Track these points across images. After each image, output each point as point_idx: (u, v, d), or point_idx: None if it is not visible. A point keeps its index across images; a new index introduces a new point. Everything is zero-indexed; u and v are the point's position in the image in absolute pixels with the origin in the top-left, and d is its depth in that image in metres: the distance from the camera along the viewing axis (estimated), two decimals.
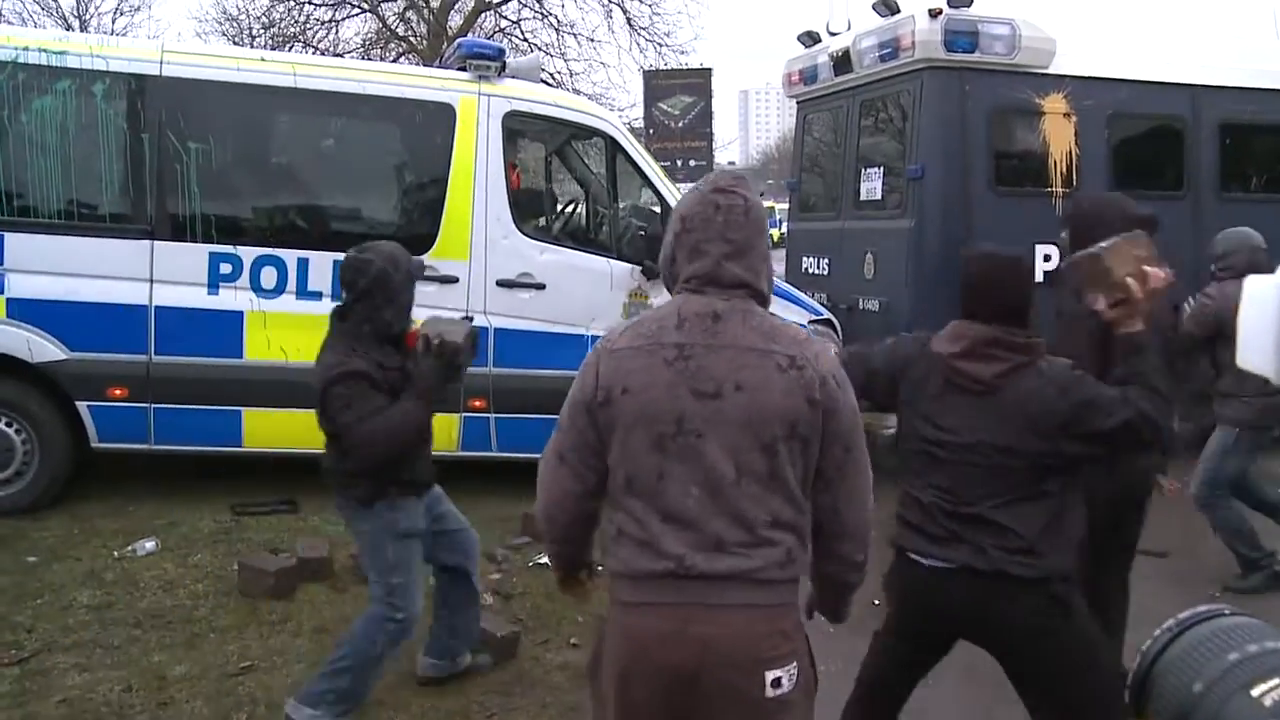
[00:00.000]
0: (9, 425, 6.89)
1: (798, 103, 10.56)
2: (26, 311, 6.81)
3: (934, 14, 8.07)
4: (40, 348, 6.82)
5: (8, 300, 6.79)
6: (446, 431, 7.28)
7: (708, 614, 2.32)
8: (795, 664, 2.39)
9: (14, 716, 4.28)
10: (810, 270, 9.82)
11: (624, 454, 2.40)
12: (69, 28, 29.60)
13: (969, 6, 8.16)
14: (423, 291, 7.11)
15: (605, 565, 2.50)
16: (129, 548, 6.27)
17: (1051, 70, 8.39)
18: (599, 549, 2.58)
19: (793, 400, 2.36)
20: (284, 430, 7.11)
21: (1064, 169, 8.45)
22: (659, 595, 2.35)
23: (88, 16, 30.96)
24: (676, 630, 2.32)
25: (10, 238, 6.81)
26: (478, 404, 7.23)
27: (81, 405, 6.94)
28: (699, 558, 2.32)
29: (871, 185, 9.03)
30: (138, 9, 31.38)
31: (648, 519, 2.37)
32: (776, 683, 2.35)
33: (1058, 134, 8.48)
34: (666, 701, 2.35)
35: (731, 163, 74.94)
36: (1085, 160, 8.43)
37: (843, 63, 9.23)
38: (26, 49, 6.90)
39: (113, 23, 30.99)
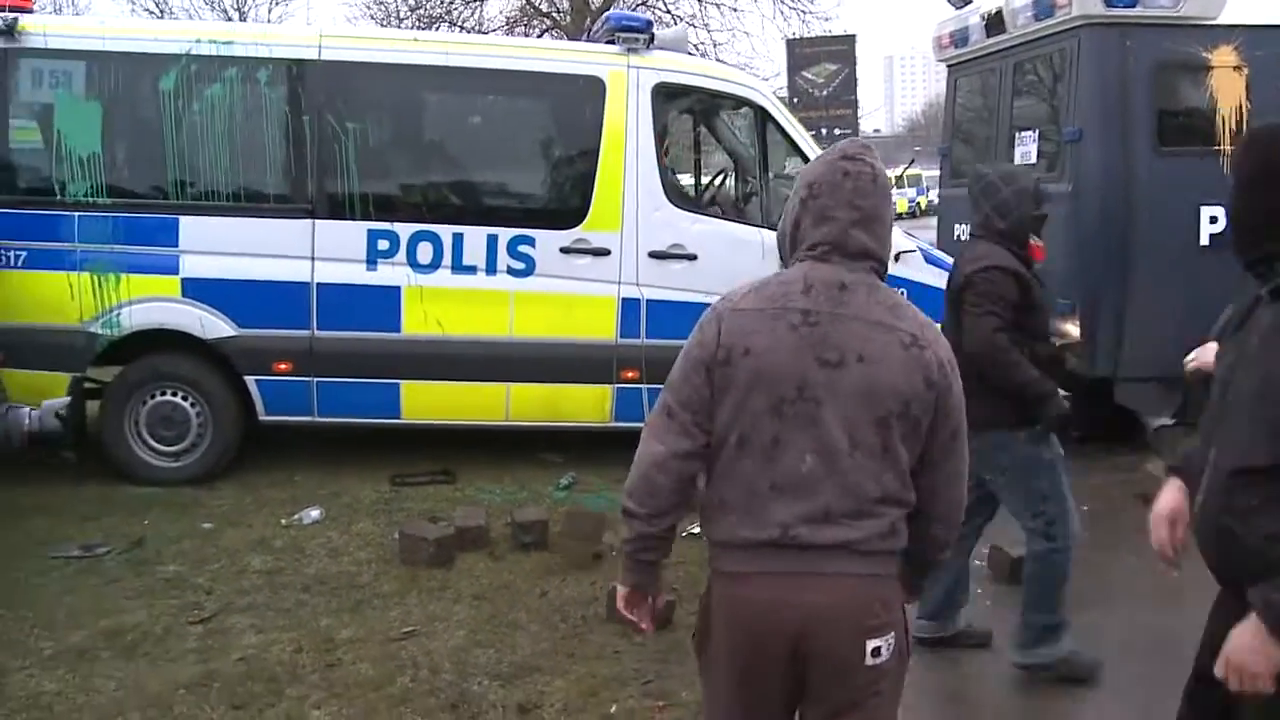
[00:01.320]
0: (185, 399, 7.22)
1: (948, 66, 10.28)
2: (199, 290, 7.12)
3: None
4: (212, 325, 7.13)
5: (182, 280, 7.11)
6: (599, 402, 7.38)
7: (812, 581, 2.32)
8: (893, 633, 2.39)
9: (199, 672, 4.51)
10: (963, 238, 9.58)
11: (739, 415, 2.36)
12: (229, 19, 30.77)
13: None
14: (575, 264, 7.31)
15: (707, 535, 2.48)
16: (295, 516, 6.53)
17: (1221, 20, 7.99)
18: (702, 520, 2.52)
19: (912, 378, 2.35)
20: (441, 402, 7.30)
21: (1234, 125, 8.04)
22: (762, 564, 2.34)
23: (246, 8, 32.07)
24: (781, 598, 2.32)
25: (185, 221, 7.13)
26: (630, 375, 7.29)
27: (250, 380, 7.24)
28: (804, 529, 2.31)
29: (1026, 149, 8.75)
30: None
31: (758, 483, 2.35)
32: (876, 652, 2.35)
33: (1227, 89, 8.06)
34: (774, 669, 2.37)
35: (877, 130, 73.62)
36: (1258, 115, 7.99)
37: (995, 23, 8.95)
38: (198, 40, 7.20)
39: (269, 14, 32.09)
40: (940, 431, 2.40)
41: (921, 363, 2.36)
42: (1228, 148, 7.97)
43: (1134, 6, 7.81)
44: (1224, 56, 7.98)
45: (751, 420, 2.35)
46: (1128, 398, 8.10)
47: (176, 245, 7.12)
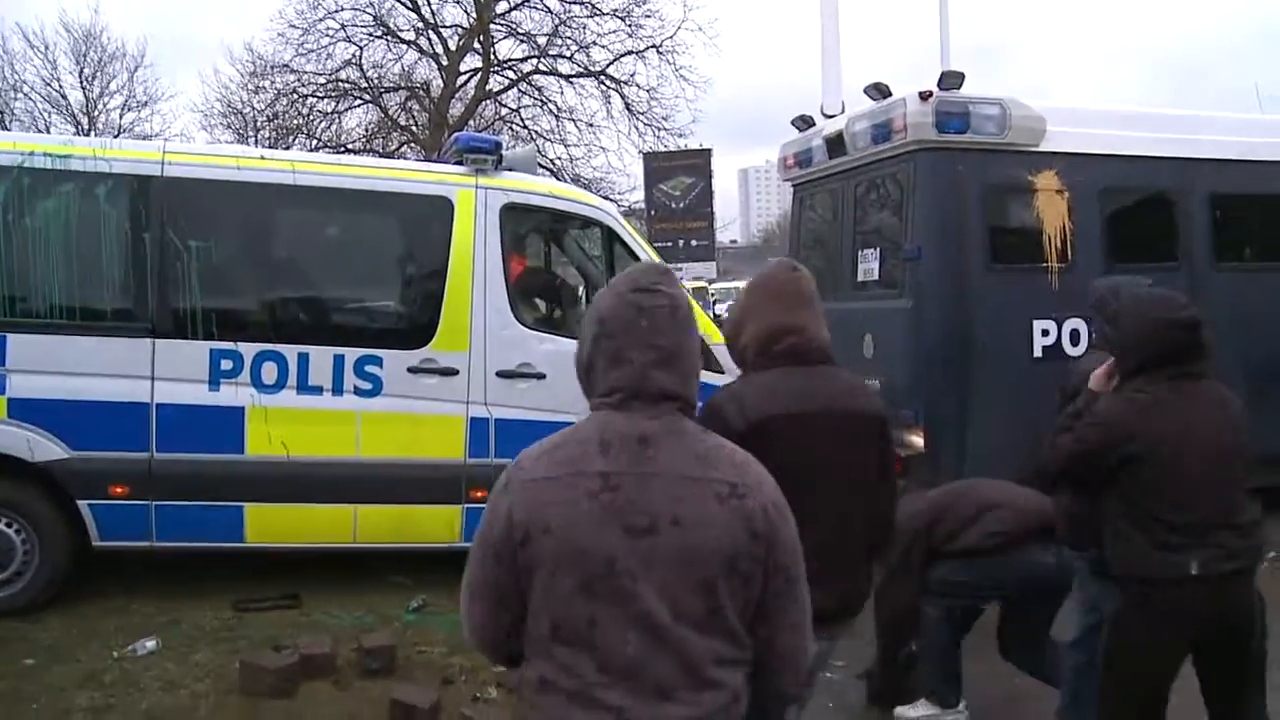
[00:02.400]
0: (9, 525, 6.86)
1: (794, 186, 10.65)
2: (28, 411, 6.82)
3: (925, 96, 8.18)
4: (41, 446, 6.83)
5: (9, 400, 6.81)
6: (449, 523, 7.28)
7: None
8: None
9: None
10: None
11: (548, 599, 2.12)
12: (78, 124, 30.11)
13: (959, 88, 8.27)
14: (423, 384, 7.25)
15: (524, 716, 2.23)
16: (129, 647, 6.22)
17: (1043, 148, 8.48)
18: (519, 699, 2.31)
19: (734, 534, 2.13)
20: (287, 525, 7.10)
21: (1059, 244, 8.50)
22: None
23: (96, 113, 31.50)
24: None
25: (13, 338, 6.85)
26: (480, 494, 7.20)
27: (83, 504, 6.93)
28: (642, 709, 2.08)
29: (869, 266, 9.08)
30: (144, 104, 31.86)
31: (580, 668, 2.10)
32: None
33: (1051, 210, 8.54)
34: None
35: (734, 241, 75.61)
36: (1080, 235, 8.49)
37: (837, 145, 9.34)
38: (32, 153, 7.02)
39: (120, 118, 31.57)
40: (773, 581, 2.19)
41: (743, 514, 2.14)
42: (1055, 265, 8.41)
43: (964, 132, 8.25)
44: (1047, 180, 8.47)
45: (562, 604, 2.11)
46: None
47: (3, 364, 6.84)
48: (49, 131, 28.19)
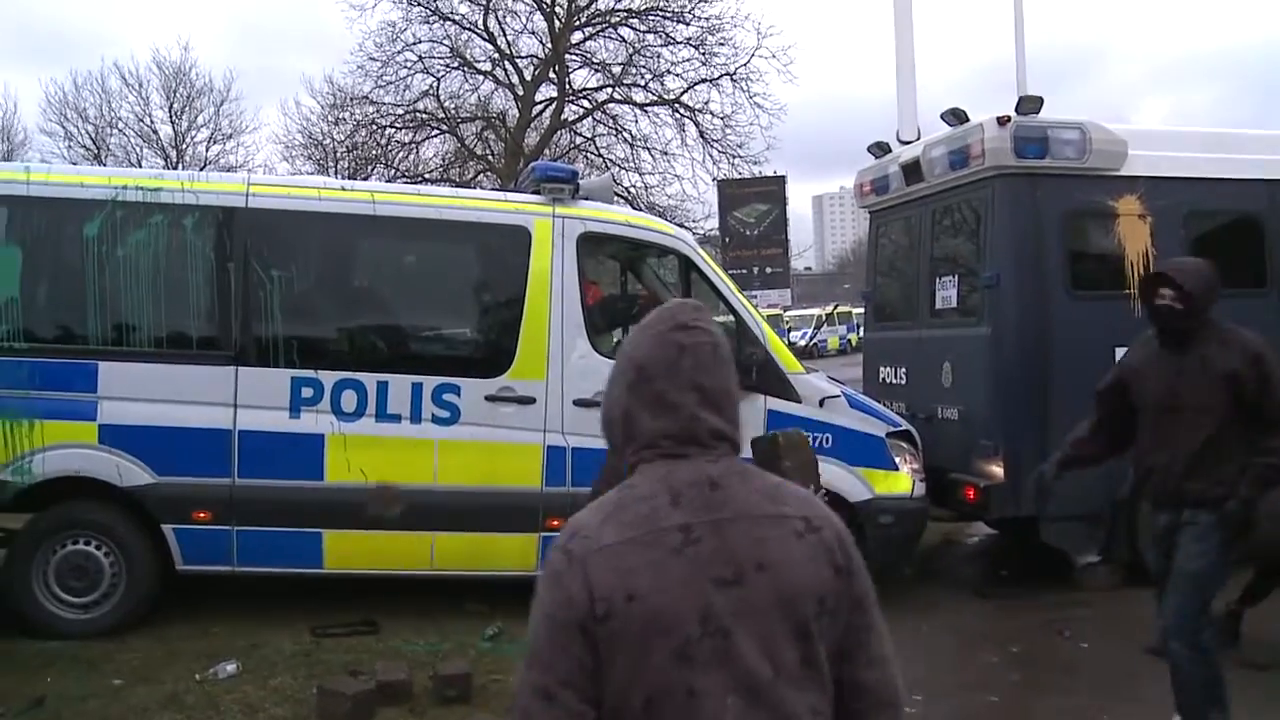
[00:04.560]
0: (98, 548, 7.04)
1: (870, 213, 10.59)
2: (117, 437, 7.00)
3: (1003, 121, 8.09)
4: (129, 472, 6.99)
5: (100, 426, 6.99)
6: (525, 551, 7.29)
7: None
8: None
9: None
10: (887, 380, 9.74)
11: (639, 673, 1.88)
12: (168, 157, 30.96)
13: (1037, 113, 8.17)
14: (501, 413, 7.30)
15: None
16: (210, 670, 6.32)
17: (1124, 172, 8.34)
18: None
19: (819, 569, 1.98)
20: (365, 551, 7.18)
21: (1141, 270, 8.33)
22: None
23: (184, 146, 32.38)
24: None
25: (104, 366, 7.04)
26: (556, 523, 7.21)
27: (167, 528, 7.07)
28: None
29: (947, 293, 8.99)
30: (229, 137, 32.70)
31: None
32: None
33: (1133, 235, 8.39)
34: None
35: (808, 268, 75.33)
36: (1163, 260, 8.30)
37: (913, 172, 9.26)
38: (125, 187, 7.22)
39: (207, 150, 32.43)
40: (853, 615, 2.04)
41: (824, 548, 2.00)
42: (1138, 291, 8.24)
43: (1043, 158, 8.14)
44: (1129, 205, 8.32)
45: (656, 676, 1.88)
46: (1053, 536, 8.18)
47: (95, 391, 7.02)
48: (141, 165, 29.05)
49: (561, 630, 1.91)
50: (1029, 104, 8.20)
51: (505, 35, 27.52)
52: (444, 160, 28.71)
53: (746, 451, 2.22)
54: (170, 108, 32.43)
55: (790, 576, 1.95)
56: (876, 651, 2.07)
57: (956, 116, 8.62)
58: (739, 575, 1.92)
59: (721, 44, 26.70)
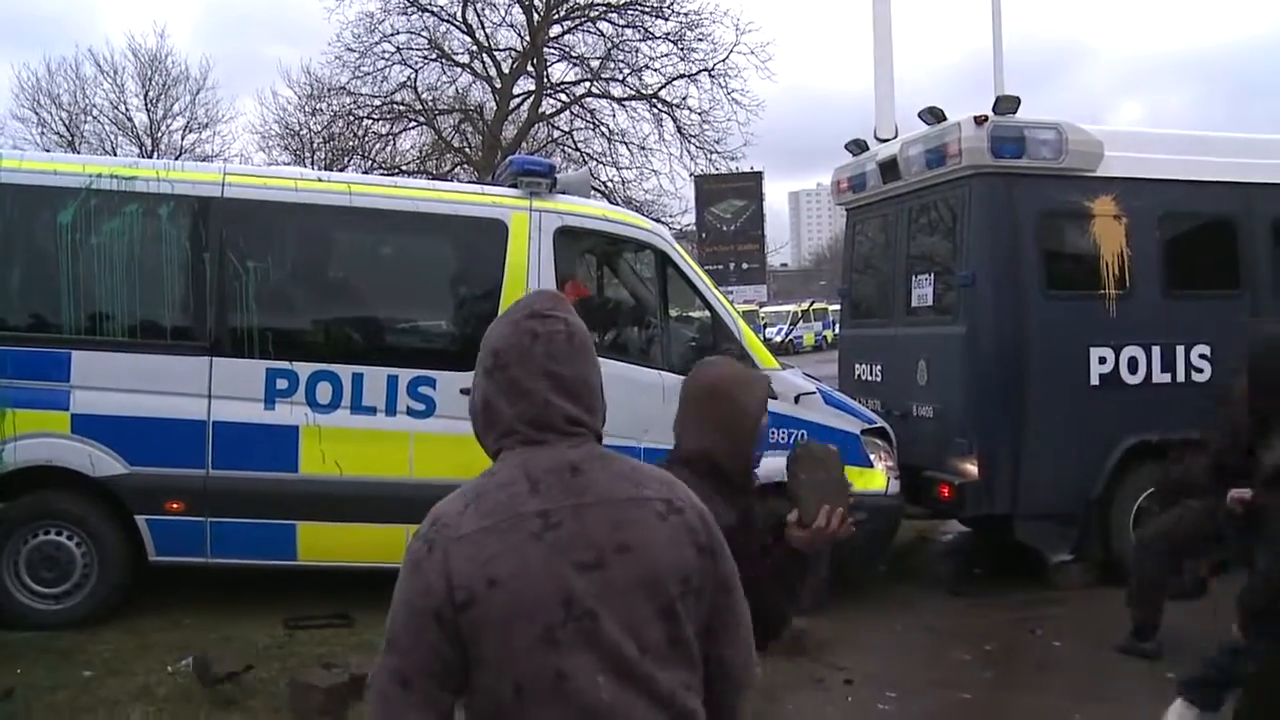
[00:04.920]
0: (70, 538, 7.00)
1: (847, 210, 10.61)
2: (90, 427, 6.96)
3: (980, 121, 8.11)
4: (102, 462, 6.95)
5: (73, 416, 6.95)
6: None
7: None
8: None
9: None
10: (863, 377, 9.78)
11: (506, 660, 1.90)
12: (143, 146, 30.72)
13: (1014, 113, 8.21)
14: None
15: None
16: (183, 662, 6.28)
17: (1100, 173, 8.38)
18: None
19: (681, 550, 2.00)
20: (339, 544, 7.16)
21: (1116, 270, 8.39)
22: None
23: (160, 135, 32.13)
24: None
25: (77, 355, 6.99)
26: None
27: (140, 519, 7.03)
28: None
29: (923, 291, 9.01)
30: (205, 126, 32.46)
31: None
32: None
33: (1109, 236, 8.43)
34: None
35: (784, 264, 75.44)
36: (1138, 261, 8.37)
37: (890, 170, 9.29)
38: (99, 175, 7.16)
39: (182, 139, 32.20)
40: (716, 595, 2.08)
41: (687, 528, 2.02)
42: (1113, 291, 8.30)
43: (1020, 157, 8.18)
44: (1104, 206, 8.36)
45: (523, 661, 1.90)
46: (1027, 534, 8.24)
47: (68, 380, 6.97)
48: (115, 153, 28.82)
49: (418, 617, 1.92)
50: (1006, 104, 8.24)
51: (484, 28, 27.51)
52: (421, 152, 28.66)
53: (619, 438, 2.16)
54: (146, 95, 32.14)
55: (653, 558, 1.97)
56: (739, 632, 2.14)
57: (934, 115, 8.65)
58: (600, 558, 1.93)
59: (700, 39, 26.79)
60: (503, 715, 1.93)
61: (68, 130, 31.15)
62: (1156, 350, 8.24)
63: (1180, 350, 8.25)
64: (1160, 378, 8.22)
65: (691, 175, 27.55)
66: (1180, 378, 8.25)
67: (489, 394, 2.07)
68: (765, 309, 36.91)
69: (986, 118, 8.12)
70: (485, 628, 1.90)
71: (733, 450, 2.80)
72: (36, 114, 30.96)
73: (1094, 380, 8.20)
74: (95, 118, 31.81)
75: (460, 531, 1.94)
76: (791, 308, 43.52)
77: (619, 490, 2.01)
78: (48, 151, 24.88)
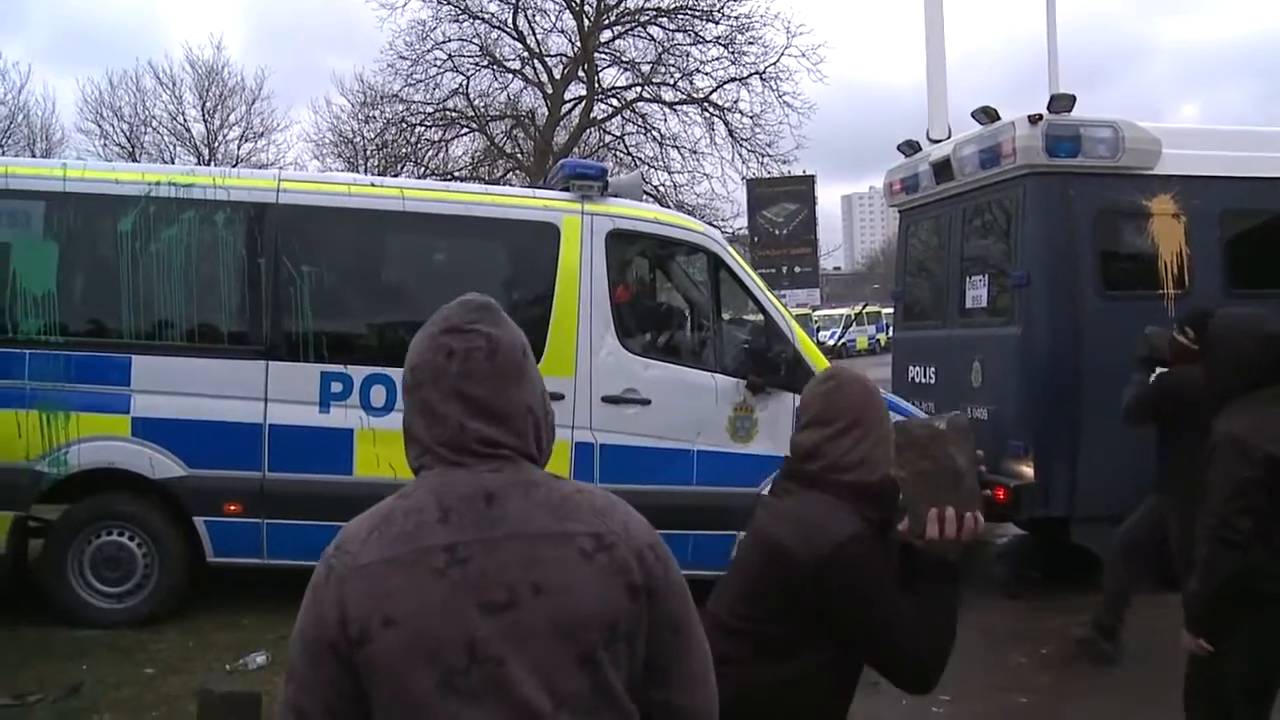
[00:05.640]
0: (131, 539, 7.12)
1: (900, 211, 10.54)
2: (150, 430, 7.07)
3: (1034, 120, 8.03)
4: (162, 465, 7.06)
5: (133, 419, 7.06)
6: None
7: None
8: None
9: None
10: (917, 379, 9.70)
11: (401, 704, 1.73)
12: (200, 155, 31.22)
13: (1070, 111, 8.11)
14: None
15: None
16: (241, 661, 6.38)
17: (1157, 171, 8.26)
18: None
19: (609, 592, 1.80)
20: None
21: (1175, 270, 8.26)
22: None
23: (217, 144, 32.64)
24: None
25: (138, 360, 7.11)
26: None
27: (199, 520, 7.14)
28: None
29: (977, 292, 8.94)
30: (261, 135, 32.94)
31: None
32: None
33: (1167, 235, 8.31)
34: None
35: (837, 268, 74.73)
36: (1197, 260, 8.24)
37: (943, 170, 9.21)
38: (158, 183, 7.29)
39: (238, 148, 32.67)
40: (660, 634, 1.87)
41: (617, 568, 1.81)
42: (1171, 291, 8.17)
43: (1075, 156, 8.07)
44: (1163, 205, 8.24)
45: (420, 709, 1.72)
46: (1084, 537, 8.13)
47: (128, 384, 7.09)
48: (174, 162, 29.31)
49: (312, 649, 1.77)
50: (1061, 102, 8.14)
51: (534, 34, 27.61)
52: (473, 158, 28.82)
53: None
54: (203, 106, 32.70)
55: (572, 601, 1.78)
56: (691, 674, 1.94)
57: (987, 115, 8.56)
58: (512, 599, 1.76)
59: (751, 43, 26.70)
60: None
61: (129, 141, 31.79)
62: None
63: None
64: None
65: (743, 179, 27.49)
66: None
67: (407, 414, 1.92)
68: (818, 312, 36.72)
69: (1041, 116, 8.03)
70: (380, 669, 1.73)
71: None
72: (99, 126, 31.67)
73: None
74: (155, 129, 32.48)
75: (360, 560, 1.78)
76: (844, 311, 43.30)
77: (537, 524, 1.82)
78: (109, 162, 25.31)
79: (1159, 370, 6.38)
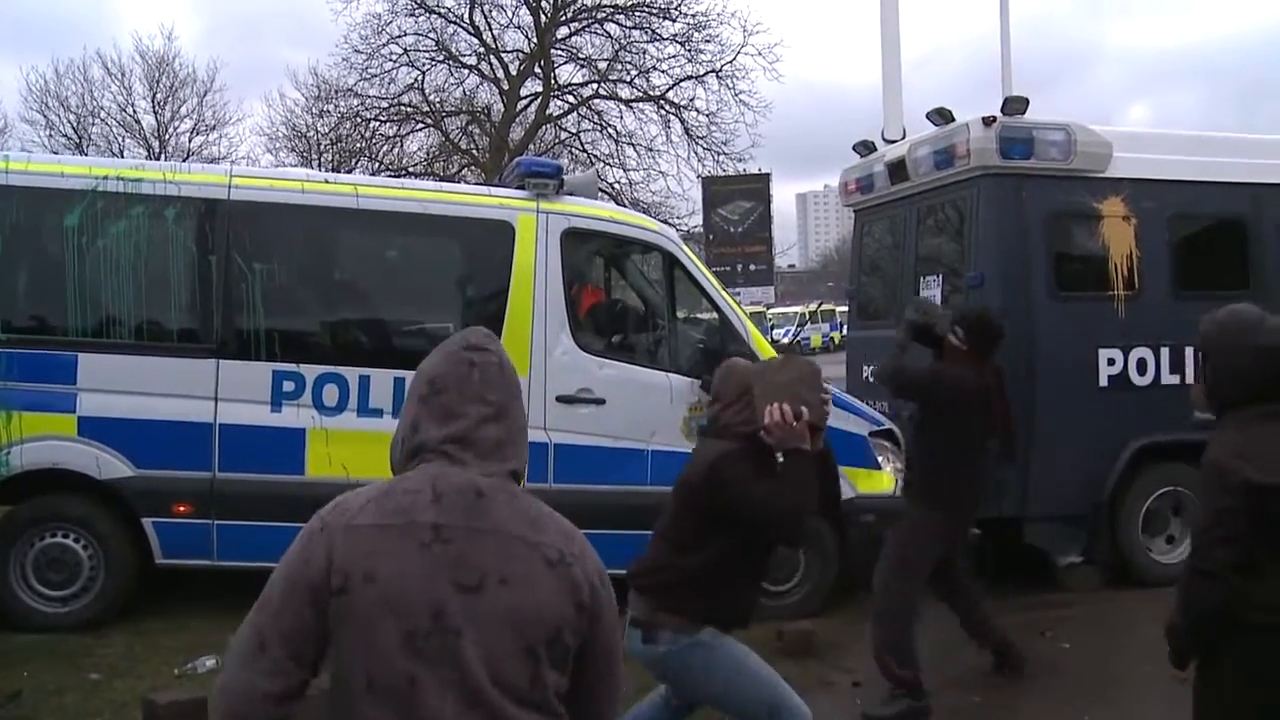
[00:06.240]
0: (76, 541, 6.99)
1: (855, 211, 10.58)
2: (96, 429, 6.95)
3: (988, 121, 8.09)
4: (108, 465, 6.95)
5: (79, 419, 6.94)
6: None
7: None
8: None
9: None
10: (871, 379, 9.75)
11: (365, 653, 2.00)
12: (150, 148, 30.77)
13: (1023, 114, 8.18)
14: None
15: None
16: (189, 665, 6.28)
17: (1108, 174, 8.35)
18: None
19: (560, 602, 2.09)
20: None
21: (1125, 272, 8.36)
22: None
23: (168, 136, 32.17)
24: None
25: (83, 358, 6.98)
26: None
27: (147, 521, 7.02)
28: None
29: (931, 292, 8.97)
30: (213, 128, 32.50)
31: None
32: None
33: (1117, 237, 8.40)
34: None
35: (792, 265, 75.23)
36: (1147, 262, 8.34)
37: (898, 171, 9.26)
38: (105, 177, 7.16)
39: (190, 141, 32.22)
40: (593, 659, 2.18)
41: (571, 583, 2.11)
42: (1121, 292, 8.27)
43: (1028, 158, 8.15)
44: (1113, 207, 8.33)
45: (381, 658, 1.99)
46: (1036, 537, 8.21)
47: (74, 382, 6.97)
48: (123, 155, 28.87)
49: (293, 587, 2.04)
50: (1015, 105, 8.21)
51: (491, 29, 27.49)
52: (428, 154, 28.64)
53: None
54: (153, 98, 32.14)
55: (530, 599, 2.06)
56: (610, 697, 2.27)
57: (942, 116, 8.62)
58: (480, 583, 2.04)
59: (708, 41, 26.71)
60: (351, 704, 2.01)
61: (75, 133, 31.22)
62: (1165, 351, 8.21)
63: (1189, 352, 8.19)
64: (1169, 379, 8.19)
65: (699, 177, 27.50)
66: (1189, 379, 8.21)
67: (419, 417, 2.19)
68: (773, 310, 36.88)
69: (995, 118, 8.09)
70: (353, 617, 2.00)
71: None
72: (45, 116, 31.05)
73: (1103, 382, 8.18)
74: (103, 120, 31.88)
75: (355, 520, 2.07)
76: (799, 309, 43.48)
77: (516, 526, 2.11)
78: (55, 154, 24.89)
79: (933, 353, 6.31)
